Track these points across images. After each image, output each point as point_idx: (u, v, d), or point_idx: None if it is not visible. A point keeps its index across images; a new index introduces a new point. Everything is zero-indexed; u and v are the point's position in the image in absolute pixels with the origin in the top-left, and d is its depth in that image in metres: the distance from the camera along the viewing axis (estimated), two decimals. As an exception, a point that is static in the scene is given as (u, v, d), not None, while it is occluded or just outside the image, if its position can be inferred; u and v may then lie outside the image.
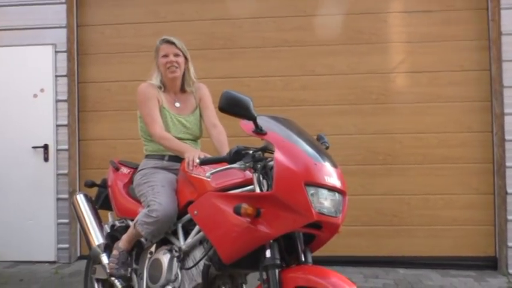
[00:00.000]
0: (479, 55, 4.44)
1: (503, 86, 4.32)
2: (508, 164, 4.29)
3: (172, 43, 2.68)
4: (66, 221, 4.65)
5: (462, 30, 4.47)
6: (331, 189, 1.95)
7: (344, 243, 4.39)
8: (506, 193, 4.28)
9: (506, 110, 4.31)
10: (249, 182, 2.13)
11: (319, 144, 2.20)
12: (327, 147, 2.31)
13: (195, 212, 2.21)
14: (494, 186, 4.36)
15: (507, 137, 4.30)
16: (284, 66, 4.58)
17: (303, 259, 2.03)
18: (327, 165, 1.99)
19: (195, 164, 2.26)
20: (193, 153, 2.36)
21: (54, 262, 4.61)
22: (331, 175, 1.96)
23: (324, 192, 1.92)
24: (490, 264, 4.34)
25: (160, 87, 2.71)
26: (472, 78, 4.45)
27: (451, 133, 4.45)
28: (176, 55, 2.68)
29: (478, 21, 4.46)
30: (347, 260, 4.40)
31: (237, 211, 1.92)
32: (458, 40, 4.47)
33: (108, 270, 2.63)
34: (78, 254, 4.75)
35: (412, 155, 4.45)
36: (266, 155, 2.14)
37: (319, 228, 2.00)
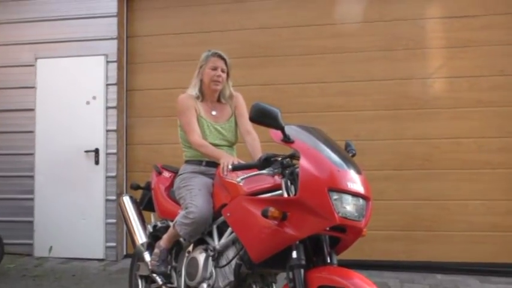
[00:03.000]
0: (521, 59, 4.38)
1: (545, 90, 4.24)
2: (551, 170, 4.20)
3: (223, 59, 2.87)
4: (114, 221, 4.94)
5: (503, 35, 4.42)
6: (355, 194, 2.05)
7: (381, 248, 4.45)
8: (550, 200, 4.19)
9: (549, 115, 4.22)
10: (278, 187, 2.25)
11: (345, 152, 2.29)
12: (354, 155, 2.40)
13: (228, 214, 2.37)
14: (537, 192, 4.28)
15: (551, 143, 4.21)
16: (322, 72, 4.67)
17: (328, 260, 2.14)
18: (351, 172, 2.08)
19: (228, 169, 2.42)
20: (227, 159, 2.51)
21: (102, 260, 4.91)
22: (354, 181, 2.06)
23: (347, 197, 2.02)
24: (532, 272, 4.26)
25: (198, 97, 2.89)
26: (513, 83, 4.39)
27: (491, 138, 4.40)
28: (223, 71, 2.87)
29: (520, 25, 4.40)
30: (384, 264, 4.43)
31: (265, 214, 2.06)
32: (499, 45, 4.42)
33: (150, 267, 2.84)
34: (125, 253, 5.03)
35: (451, 160, 4.43)
36: (294, 161, 2.27)
37: (343, 232, 2.11)
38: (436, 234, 4.43)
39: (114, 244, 4.94)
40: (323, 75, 4.69)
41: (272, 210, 2.04)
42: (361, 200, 2.07)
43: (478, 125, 4.42)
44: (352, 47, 4.65)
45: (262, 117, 2.12)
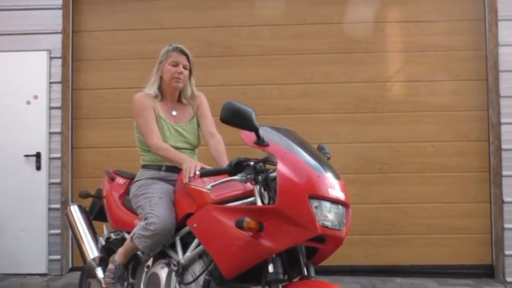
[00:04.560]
0: (476, 65, 4.45)
1: (499, 96, 4.33)
2: (504, 173, 4.29)
3: (185, 54, 2.63)
4: (58, 231, 4.55)
5: (460, 41, 4.48)
6: (335, 201, 1.91)
7: (341, 252, 4.23)
8: (503, 202, 4.27)
9: (502, 120, 4.31)
10: (249, 194, 2.07)
11: (322, 156, 2.15)
12: (328, 158, 2.27)
13: (195, 225, 2.15)
14: (491, 195, 4.35)
15: (503, 146, 4.30)
16: (281, 74, 4.54)
17: (306, 273, 1.99)
18: (330, 177, 1.94)
19: (195, 175, 2.20)
20: (191, 164, 2.30)
21: (45, 274, 4.49)
22: (334, 187, 1.92)
23: (327, 204, 1.88)
24: (486, 272, 4.33)
25: (156, 96, 2.65)
26: (469, 88, 4.45)
27: (448, 142, 4.44)
28: (185, 67, 2.63)
29: (476, 32, 4.47)
30: (344, 269, 4.35)
31: (240, 225, 1.85)
32: (455, 50, 4.47)
33: (103, 285, 2.55)
34: (70, 266, 4.63)
35: (409, 163, 4.42)
36: (267, 166, 2.09)
37: (322, 242, 1.95)
38: (395, 237, 4.40)
39: (58, 257, 4.54)
40: (282, 76, 4.55)
41: (249, 220, 1.84)
42: (340, 207, 1.94)
43: (435, 129, 4.45)
44: (312, 49, 4.55)
45: (235, 117, 1.94)
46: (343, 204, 1.94)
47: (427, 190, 4.40)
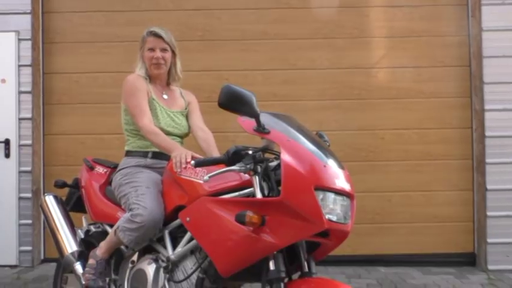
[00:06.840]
0: (459, 51, 4.36)
1: (483, 82, 4.26)
2: (487, 160, 4.23)
3: (160, 36, 2.46)
4: (29, 221, 4.28)
5: (443, 26, 4.38)
6: (340, 192, 1.76)
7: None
8: (486, 189, 4.22)
9: (486, 106, 4.25)
10: (245, 185, 1.90)
11: (324, 143, 2.00)
12: (328, 146, 2.11)
13: (188, 219, 1.96)
14: (474, 182, 4.30)
15: (487, 133, 4.24)
16: (264, 59, 4.36)
17: (307, 269, 1.84)
18: (335, 167, 1.80)
19: (188, 165, 2.01)
20: (181, 152, 2.12)
21: (15, 266, 4.23)
22: (339, 177, 1.78)
23: (334, 197, 1.74)
24: (468, 260, 4.29)
25: (146, 79, 2.50)
26: (452, 74, 4.36)
27: (431, 129, 4.35)
28: (163, 50, 2.48)
29: (459, 17, 4.37)
30: (329, 259, 4.16)
31: (241, 220, 1.68)
32: (439, 36, 4.37)
33: (83, 282, 2.34)
34: (42, 257, 4.36)
35: (394, 151, 4.32)
36: (266, 155, 1.92)
37: (326, 236, 1.81)
38: (380, 226, 4.31)
39: (29, 248, 4.26)
40: (266, 62, 4.37)
41: (251, 214, 1.67)
42: (346, 199, 1.79)
43: (419, 116, 4.35)
44: (295, 33, 4.37)
45: (234, 102, 1.77)
46: (348, 195, 1.81)
47: (412, 178, 4.31)
